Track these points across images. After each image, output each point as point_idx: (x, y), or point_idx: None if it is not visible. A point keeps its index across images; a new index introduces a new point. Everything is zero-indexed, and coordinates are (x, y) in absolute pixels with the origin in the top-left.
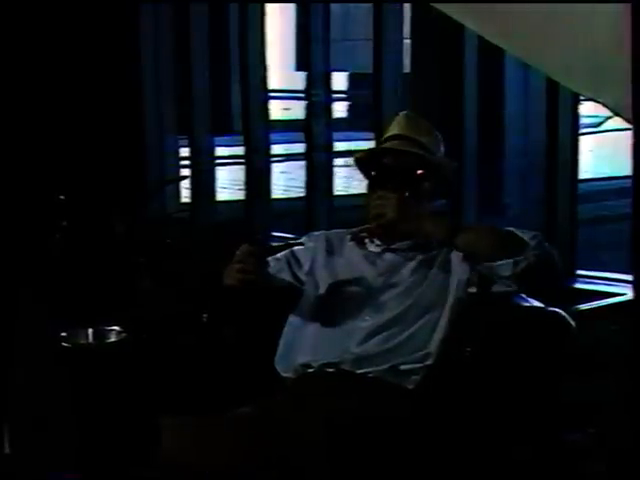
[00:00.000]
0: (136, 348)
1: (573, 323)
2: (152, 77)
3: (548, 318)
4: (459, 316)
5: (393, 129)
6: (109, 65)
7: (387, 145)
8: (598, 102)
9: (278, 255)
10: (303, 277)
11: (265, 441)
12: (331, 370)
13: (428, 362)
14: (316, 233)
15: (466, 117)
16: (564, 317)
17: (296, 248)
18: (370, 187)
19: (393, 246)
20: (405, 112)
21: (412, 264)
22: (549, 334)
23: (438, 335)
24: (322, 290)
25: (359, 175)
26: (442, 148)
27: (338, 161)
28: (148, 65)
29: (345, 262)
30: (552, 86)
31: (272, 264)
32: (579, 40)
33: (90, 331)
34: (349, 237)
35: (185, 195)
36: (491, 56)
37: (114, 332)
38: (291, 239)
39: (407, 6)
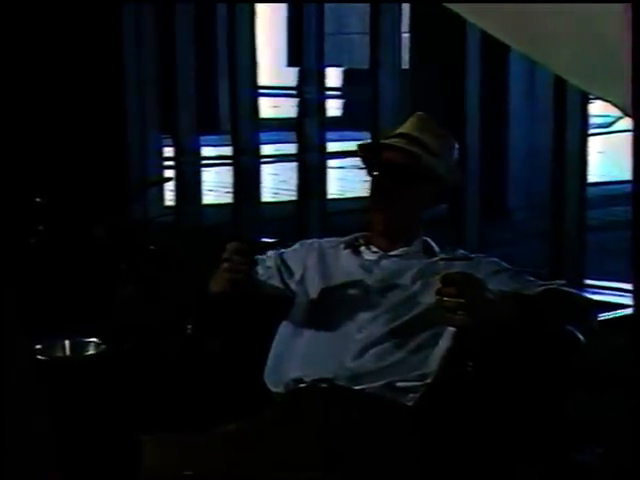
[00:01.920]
0: (116, 361)
1: (581, 337)
2: (135, 73)
3: (555, 331)
4: (463, 330)
5: (401, 128)
6: (89, 59)
7: (386, 141)
8: (607, 101)
9: (267, 262)
10: (294, 286)
11: (254, 460)
12: (324, 386)
13: (427, 380)
14: (309, 241)
15: (468, 116)
16: (572, 330)
17: (286, 255)
18: (370, 188)
19: (391, 252)
20: (419, 113)
21: (412, 272)
22: (556, 348)
23: (439, 352)
24: (314, 300)
25: (354, 178)
26: (455, 154)
27: (332, 162)
28: (131, 60)
29: (339, 270)
30: (560, 83)
31: (261, 271)
32: (588, 37)
33: (67, 343)
34: (343, 245)
35: (169, 198)
36: (495, 51)
37: (92, 344)
38: (280, 244)
39: None
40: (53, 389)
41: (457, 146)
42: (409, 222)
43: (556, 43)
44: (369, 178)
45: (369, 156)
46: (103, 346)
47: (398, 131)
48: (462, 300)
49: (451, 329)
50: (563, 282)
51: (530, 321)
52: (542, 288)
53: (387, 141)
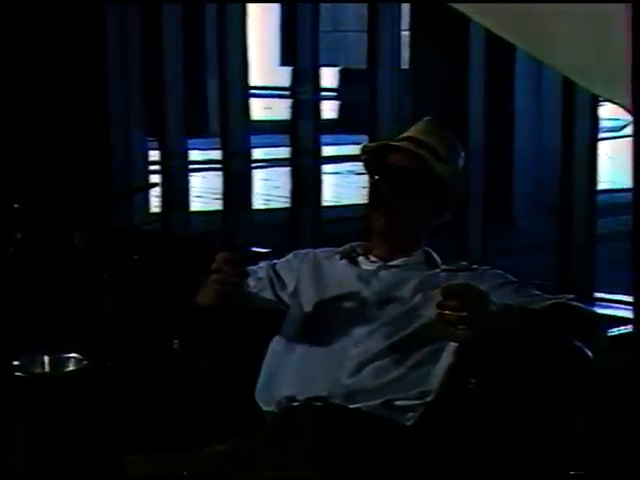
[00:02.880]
0: (98, 378)
1: (590, 354)
2: (119, 73)
3: (563, 348)
4: (465, 346)
5: (408, 132)
6: (70, 59)
7: (392, 143)
8: (615, 103)
9: (259, 273)
10: (287, 298)
11: None
12: (319, 404)
13: (428, 398)
14: (303, 250)
15: (471, 118)
16: (580, 347)
17: (279, 265)
18: (371, 194)
19: (390, 263)
20: (428, 118)
21: (412, 284)
22: (564, 365)
23: (441, 368)
24: (308, 313)
25: (350, 184)
26: (461, 162)
27: (327, 167)
28: (114, 59)
29: (335, 281)
30: (568, 84)
31: (252, 283)
32: (594, 36)
33: (46, 358)
34: (339, 255)
35: (155, 204)
36: (500, 50)
37: (73, 359)
38: (272, 254)
39: None
40: (31, 407)
41: (463, 154)
42: (411, 230)
43: (561, 42)
44: (370, 183)
45: (372, 158)
46: (85, 362)
47: (405, 134)
48: (463, 313)
49: (453, 344)
50: (571, 297)
51: (536, 337)
52: (549, 302)
53: (394, 143)
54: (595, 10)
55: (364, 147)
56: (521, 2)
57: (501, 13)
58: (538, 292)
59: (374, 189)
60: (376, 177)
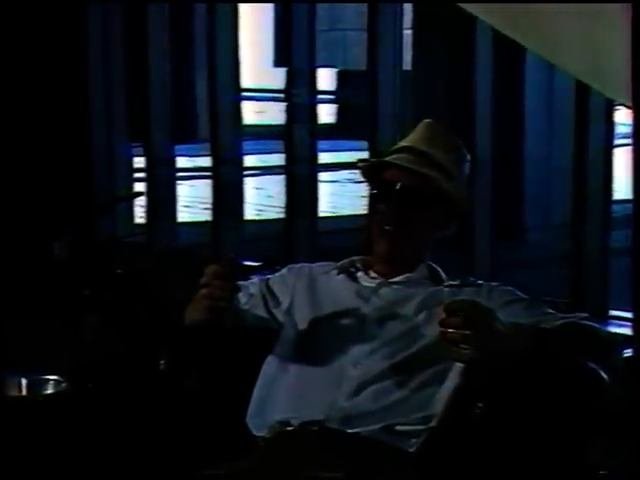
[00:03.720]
0: (78, 401)
1: (606, 376)
2: (102, 76)
3: (575, 370)
4: (471, 367)
5: (408, 139)
6: (50, 60)
7: (390, 158)
8: (629, 107)
9: (251, 289)
10: (281, 316)
11: None
12: (315, 429)
13: (432, 423)
14: (298, 265)
15: (478, 123)
16: (595, 369)
17: (272, 281)
18: (370, 207)
19: (392, 279)
20: (428, 120)
21: (415, 301)
22: (577, 389)
23: (445, 391)
24: (303, 331)
25: (349, 193)
26: (467, 168)
27: (324, 175)
28: (97, 61)
29: (332, 298)
30: (582, 87)
31: (244, 299)
32: (610, 40)
33: (23, 381)
34: (337, 270)
35: (140, 215)
36: (509, 50)
37: (52, 382)
38: (266, 268)
39: None
40: (7, 432)
41: (469, 158)
42: (414, 246)
43: (575, 46)
44: (369, 195)
45: (371, 171)
46: (64, 384)
47: (404, 143)
48: (468, 332)
49: (459, 365)
50: (585, 315)
51: (547, 358)
52: (561, 321)
53: (390, 158)
54: (606, 11)
55: (359, 161)
56: (526, 2)
57: (508, 13)
58: (550, 310)
59: (373, 204)
60: (374, 192)
